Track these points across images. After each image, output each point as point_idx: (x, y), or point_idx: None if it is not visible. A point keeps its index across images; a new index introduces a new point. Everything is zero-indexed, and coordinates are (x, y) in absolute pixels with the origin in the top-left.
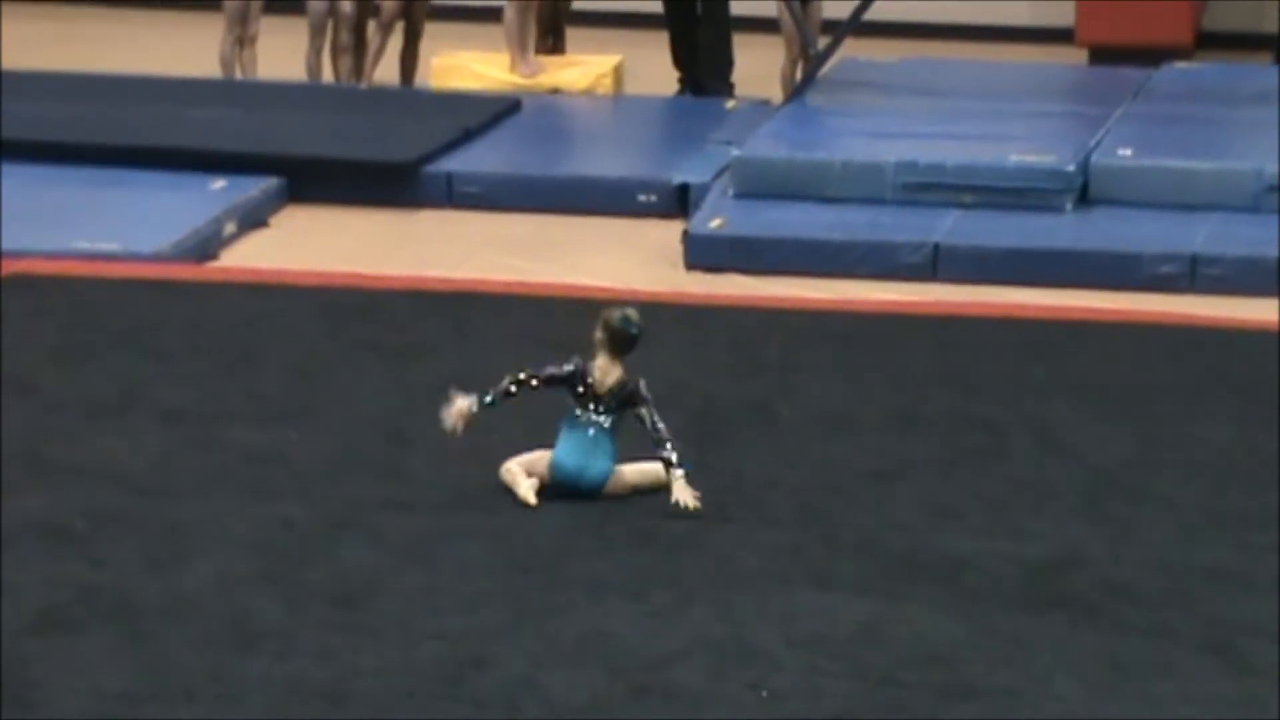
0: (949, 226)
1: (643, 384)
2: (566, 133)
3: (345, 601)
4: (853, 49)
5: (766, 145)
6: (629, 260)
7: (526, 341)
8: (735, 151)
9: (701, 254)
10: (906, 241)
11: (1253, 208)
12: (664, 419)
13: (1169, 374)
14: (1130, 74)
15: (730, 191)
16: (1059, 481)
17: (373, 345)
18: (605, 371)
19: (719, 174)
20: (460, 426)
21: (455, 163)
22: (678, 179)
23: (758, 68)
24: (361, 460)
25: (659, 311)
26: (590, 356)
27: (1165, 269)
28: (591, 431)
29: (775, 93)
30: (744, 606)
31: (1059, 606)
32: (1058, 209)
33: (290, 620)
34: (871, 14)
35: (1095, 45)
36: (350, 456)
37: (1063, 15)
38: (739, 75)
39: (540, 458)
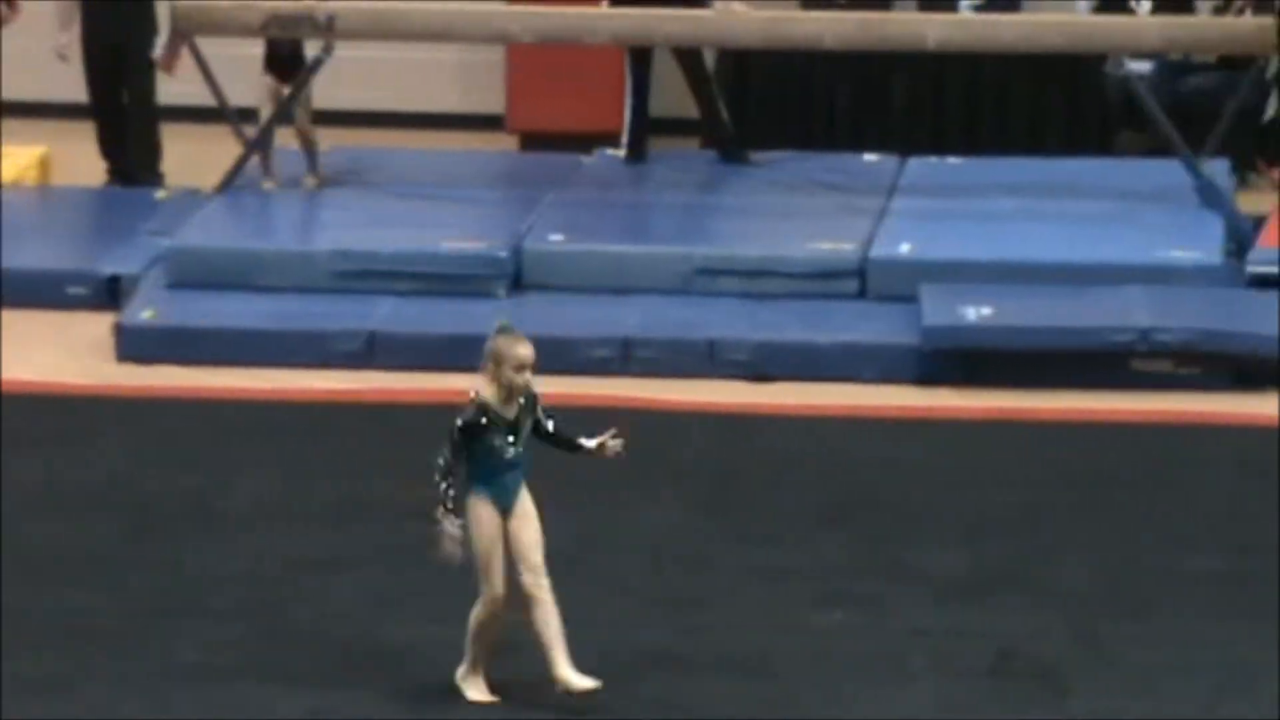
0: (384, 314)
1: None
2: None
3: None
4: (286, 137)
5: (198, 235)
6: (59, 354)
7: None
8: (166, 242)
9: (133, 346)
10: (342, 329)
11: (683, 290)
12: (98, 519)
13: None
14: (561, 160)
15: (162, 282)
16: None
17: None
18: (504, 399)
19: (151, 265)
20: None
21: None
22: (108, 270)
23: (188, 157)
24: None
25: (91, 406)
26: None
27: (599, 352)
28: (521, 466)
29: (205, 181)
30: (182, 701)
31: (501, 691)
32: (492, 295)
33: None
34: None
35: (526, 132)
36: None
37: (493, 103)
38: (168, 165)
39: (491, 550)
